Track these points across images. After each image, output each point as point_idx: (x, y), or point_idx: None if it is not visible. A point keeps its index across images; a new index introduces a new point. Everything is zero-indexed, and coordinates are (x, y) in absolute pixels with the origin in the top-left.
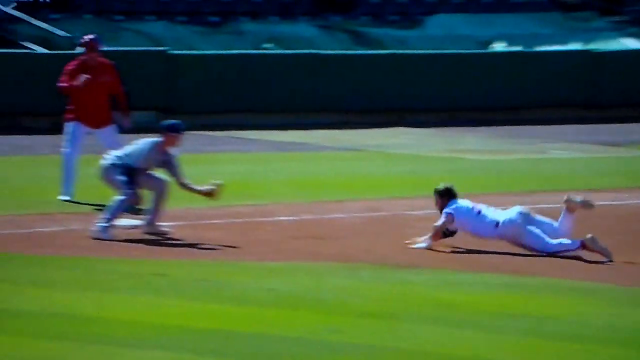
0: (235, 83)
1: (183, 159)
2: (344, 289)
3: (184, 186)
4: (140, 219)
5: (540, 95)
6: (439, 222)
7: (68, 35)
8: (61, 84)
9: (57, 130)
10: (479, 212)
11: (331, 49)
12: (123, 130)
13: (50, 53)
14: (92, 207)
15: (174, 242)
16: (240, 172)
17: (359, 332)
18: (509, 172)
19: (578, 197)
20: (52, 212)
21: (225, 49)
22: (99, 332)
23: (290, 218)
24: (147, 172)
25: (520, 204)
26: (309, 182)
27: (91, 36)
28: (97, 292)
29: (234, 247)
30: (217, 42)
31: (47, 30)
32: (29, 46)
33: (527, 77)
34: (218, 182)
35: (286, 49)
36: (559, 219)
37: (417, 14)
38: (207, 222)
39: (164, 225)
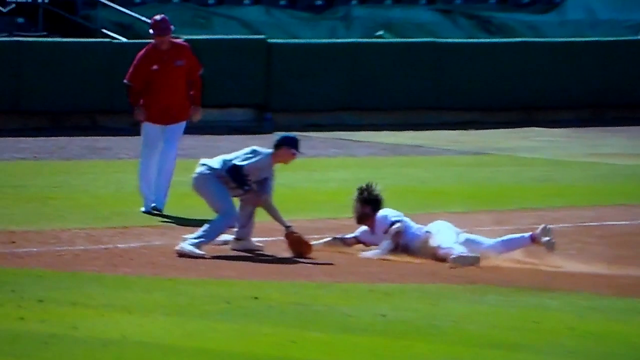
0: (342, 77)
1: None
2: (465, 315)
3: (269, 209)
4: (231, 234)
5: None
6: (393, 230)
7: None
8: (128, 81)
9: (138, 130)
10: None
11: (453, 37)
12: (189, 125)
13: (132, 42)
14: (176, 220)
15: (266, 260)
16: (345, 179)
17: None
18: None
19: (545, 238)
20: (131, 225)
21: (331, 38)
22: None
23: None
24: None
25: None
26: (425, 191)
27: (158, 17)
28: (181, 317)
29: (336, 265)
30: (322, 29)
31: (129, 15)
32: (109, 34)
33: None
34: (315, 242)
35: (401, 38)
36: (506, 238)
37: None
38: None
39: (256, 240)
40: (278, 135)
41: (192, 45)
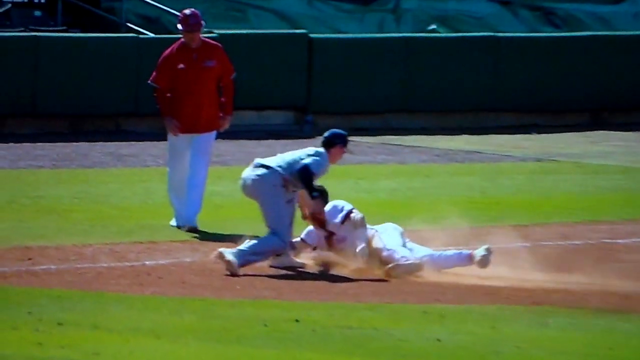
0: (391, 76)
1: None
2: (529, 339)
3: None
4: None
5: None
6: (358, 217)
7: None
8: (153, 82)
9: (166, 135)
10: None
11: (513, 31)
12: (218, 134)
13: (160, 37)
14: (209, 234)
15: (308, 278)
16: (395, 189)
17: None
18: None
19: (479, 256)
20: (160, 240)
21: (379, 32)
22: None
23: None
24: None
25: None
26: (483, 202)
27: (188, 11)
28: (215, 342)
29: (386, 283)
30: (369, 23)
31: (156, 7)
32: (134, 28)
33: None
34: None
35: (456, 32)
36: (449, 253)
37: None
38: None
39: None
40: (328, 132)
41: (225, 40)
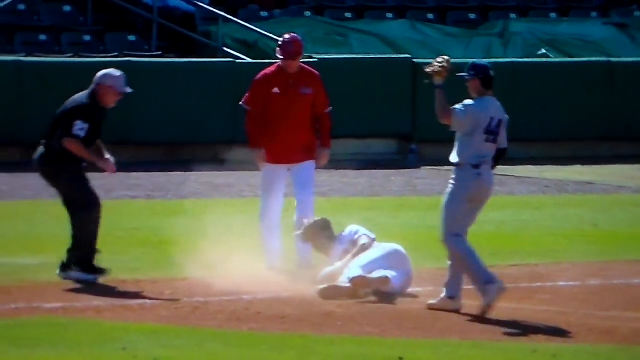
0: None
1: (430, 202)
2: None
3: None
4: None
5: None
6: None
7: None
8: (245, 104)
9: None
10: None
11: (630, 56)
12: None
13: (257, 63)
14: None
15: (412, 314)
16: (503, 220)
17: None
18: None
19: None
20: (257, 274)
21: (486, 57)
22: None
23: (572, 283)
24: None
25: None
26: (595, 235)
27: (288, 36)
28: None
29: (494, 319)
30: (476, 47)
31: (254, 31)
32: (231, 53)
33: None
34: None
35: (568, 56)
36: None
37: None
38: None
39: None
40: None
41: (326, 65)
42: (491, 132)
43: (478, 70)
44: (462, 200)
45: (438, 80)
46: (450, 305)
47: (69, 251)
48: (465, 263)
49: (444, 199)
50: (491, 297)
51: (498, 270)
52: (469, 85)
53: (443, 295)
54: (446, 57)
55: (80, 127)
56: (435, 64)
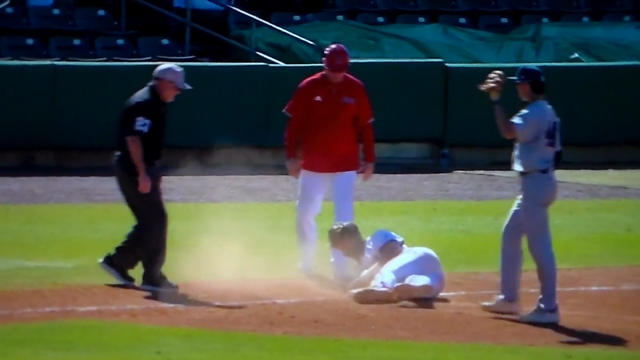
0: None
1: (462, 206)
2: None
3: None
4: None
5: None
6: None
7: (313, 43)
8: (287, 111)
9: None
10: None
11: None
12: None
13: (291, 67)
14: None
15: (446, 318)
16: None
17: None
18: None
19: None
20: (291, 277)
21: (518, 62)
22: None
23: (605, 288)
24: None
25: None
26: (629, 240)
27: (334, 46)
28: None
29: (525, 324)
30: (508, 51)
31: (288, 35)
32: (264, 57)
33: None
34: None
35: (601, 61)
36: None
37: None
38: (486, 292)
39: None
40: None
41: (358, 69)
42: (551, 136)
43: (528, 75)
44: (541, 205)
45: (494, 96)
46: (508, 307)
47: (120, 250)
48: (547, 280)
49: (520, 211)
50: (542, 321)
51: (530, 274)
52: (519, 89)
53: (501, 297)
54: (499, 72)
55: (142, 123)
56: (488, 80)
